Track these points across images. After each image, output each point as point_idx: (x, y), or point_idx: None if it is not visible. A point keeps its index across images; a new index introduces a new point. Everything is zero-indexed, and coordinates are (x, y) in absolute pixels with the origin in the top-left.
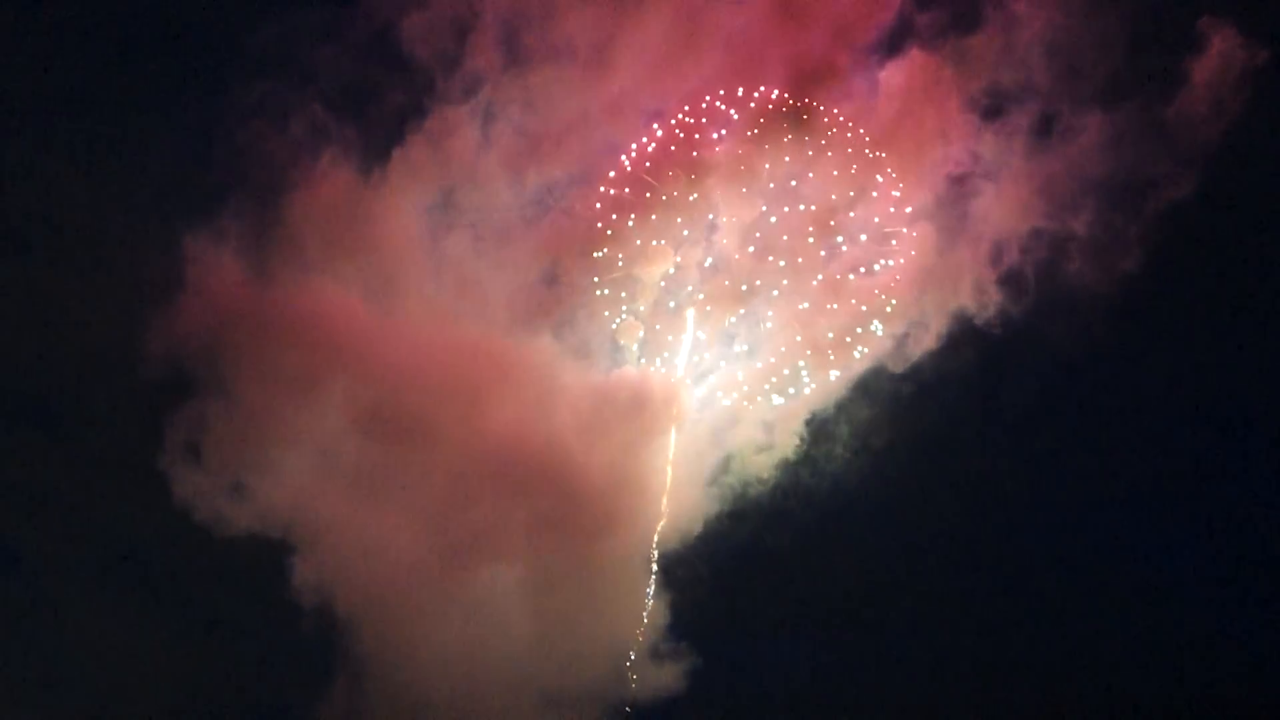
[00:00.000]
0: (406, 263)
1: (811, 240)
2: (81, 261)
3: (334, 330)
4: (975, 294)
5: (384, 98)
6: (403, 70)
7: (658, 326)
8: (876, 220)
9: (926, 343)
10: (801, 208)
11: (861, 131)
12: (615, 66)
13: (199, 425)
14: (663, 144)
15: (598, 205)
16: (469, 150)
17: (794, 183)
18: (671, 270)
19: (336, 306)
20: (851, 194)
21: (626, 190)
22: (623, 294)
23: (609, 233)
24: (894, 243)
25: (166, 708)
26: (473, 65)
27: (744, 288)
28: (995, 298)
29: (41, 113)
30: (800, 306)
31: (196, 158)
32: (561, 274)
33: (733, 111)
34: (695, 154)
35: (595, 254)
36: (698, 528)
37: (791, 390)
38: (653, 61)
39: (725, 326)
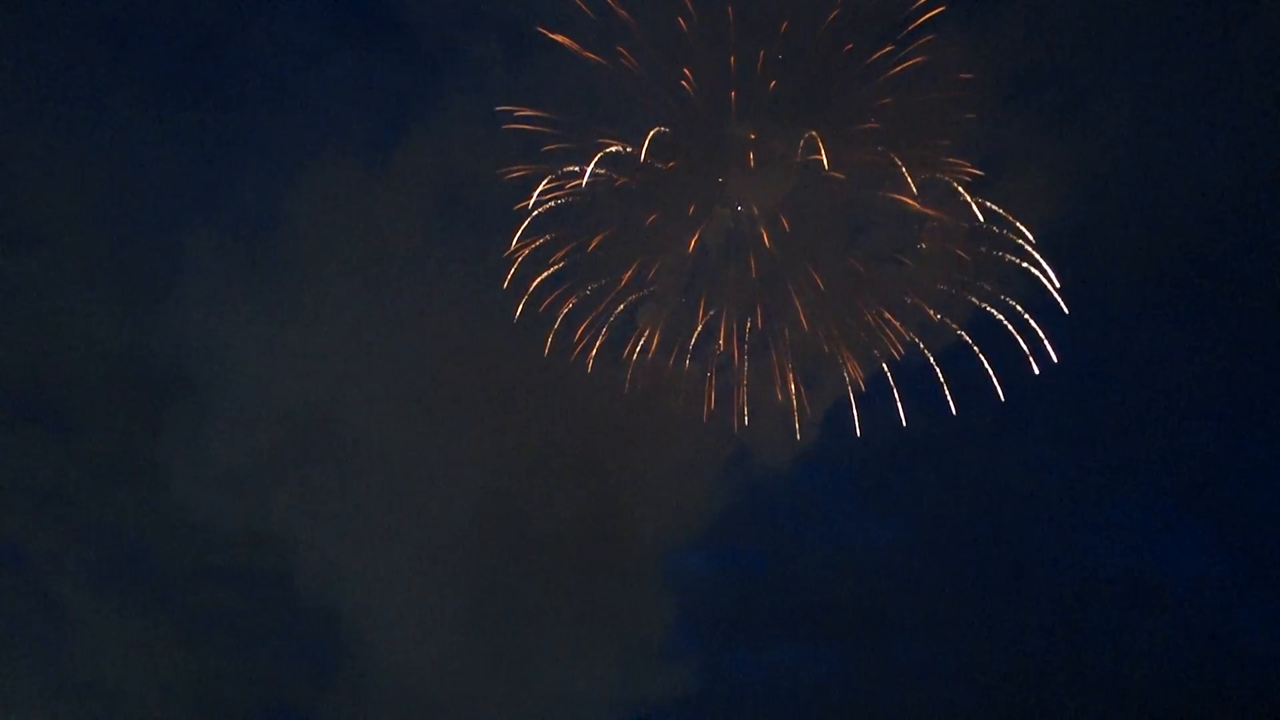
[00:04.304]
0: (409, 254)
1: (836, 227)
2: (81, 258)
3: (334, 325)
4: (1001, 282)
5: (388, 87)
6: (407, 59)
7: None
8: (904, 205)
9: (951, 332)
10: (824, 195)
11: (886, 116)
12: (626, 50)
13: (199, 422)
14: (680, 129)
15: (610, 192)
16: (475, 139)
17: (818, 168)
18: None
19: (337, 300)
20: (882, 180)
21: (641, 176)
22: (640, 283)
23: (624, 220)
24: (918, 229)
25: (167, 703)
26: (479, 52)
27: (766, 275)
28: (1021, 286)
29: (40, 108)
30: (823, 294)
31: (196, 151)
32: (572, 264)
33: (752, 94)
34: (713, 139)
35: (610, 243)
36: (710, 522)
37: (813, 380)
38: (667, 43)
39: (747, 315)
